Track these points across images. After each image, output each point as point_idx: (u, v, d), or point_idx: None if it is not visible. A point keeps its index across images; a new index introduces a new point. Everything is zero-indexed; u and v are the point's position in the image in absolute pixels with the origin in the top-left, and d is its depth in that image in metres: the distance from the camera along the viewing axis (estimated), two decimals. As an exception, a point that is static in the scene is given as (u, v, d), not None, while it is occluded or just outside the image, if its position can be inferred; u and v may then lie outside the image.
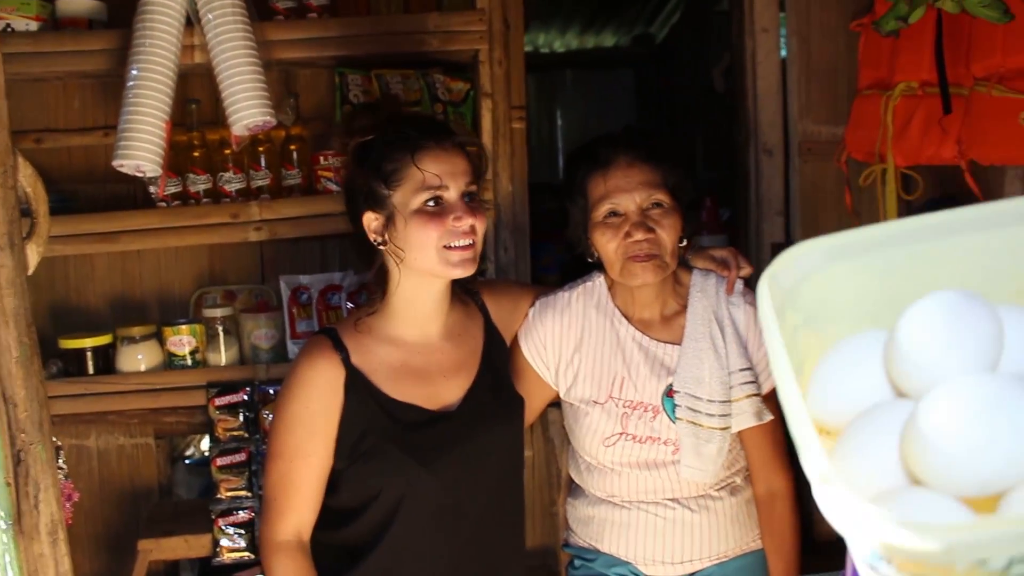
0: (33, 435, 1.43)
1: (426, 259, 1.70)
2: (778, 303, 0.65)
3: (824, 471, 0.54)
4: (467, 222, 1.69)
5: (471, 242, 1.71)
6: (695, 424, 1.81)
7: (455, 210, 1.69)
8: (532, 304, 1.94)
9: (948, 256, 0.67)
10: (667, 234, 1.80)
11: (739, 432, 1.86)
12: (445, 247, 1.69)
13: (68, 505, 1.60)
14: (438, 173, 1.69)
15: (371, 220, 1.73)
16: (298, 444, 1.71)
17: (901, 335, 0.64)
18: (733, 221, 3.35)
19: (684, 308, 1.88)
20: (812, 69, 2.79)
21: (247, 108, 2.19)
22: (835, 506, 0.53)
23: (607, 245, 1.81)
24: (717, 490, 1.90)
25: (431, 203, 1.70)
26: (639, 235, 1.78)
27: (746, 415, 1.83)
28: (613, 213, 1.81)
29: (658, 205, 1.81)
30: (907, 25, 1.97)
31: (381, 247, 1.73)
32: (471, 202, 1.74)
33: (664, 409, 1.84)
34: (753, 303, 1.88)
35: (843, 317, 0.69)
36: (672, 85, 5.60)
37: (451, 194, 1.71)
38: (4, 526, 1.42)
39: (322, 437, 1.71)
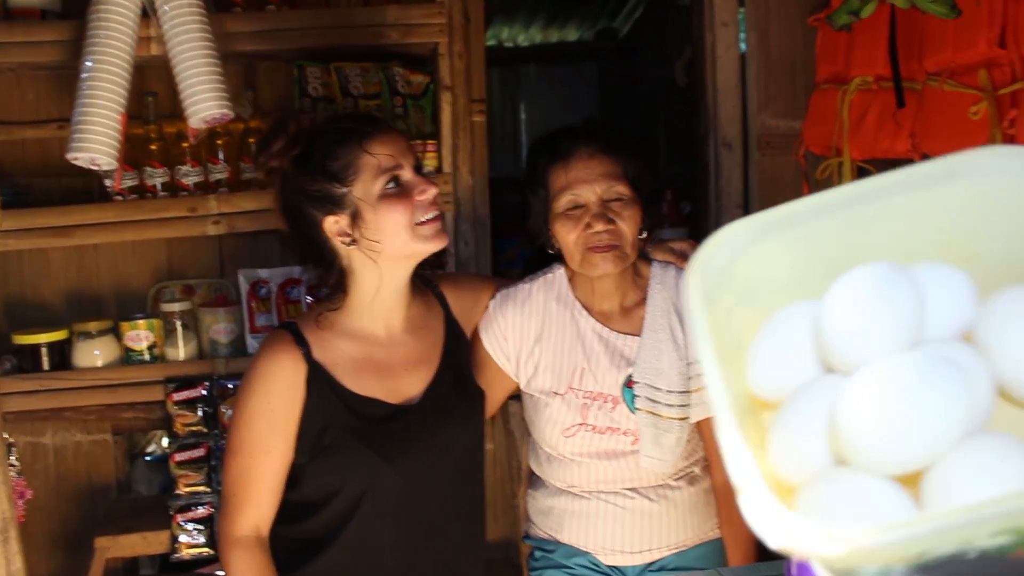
0: (-17, 431, 1.41)
1: (402, 241, 1.69)
2: (709, 288, 0.66)
3: (739, 479, 0.55)
4: (431, 192, 1.70)
5: (437, 213, 1.72)
6: (654, 414, 1.83)
7: (416, 185, 1.70)
8: (492, 296, 1.95)
9: (875, 220, 0.68)
10: (627, 225, 1.81)
11: (698, 422, 1.87)
12: (417, 224, 1.69)
13: (20, 503, 1.58)
14: (390, 154, 1.69)
15: (333, 224, 1.69)
16: (258, 439, 1.70)
17: (824, 314, 0.64)
18: (694, 214, 3.37)
19: (644, 300, 1.89)
20: (771, 63, 2.82)
21: (204, 101, 2.17)
22: (751, 511, 0.53)
23: (567, 236, 1.82)
24: (676, 480, 1.92)
25: (391, 185, 1.69)
26: (599, 226, 1.79)
27: (705, 405, 1.85)
28: (574, 205, 1.82)
29: (618, 197, 1.82)
30: (859, 19, 2.00)
31: (352, 246, 1.70)
32: (424, 175, 1.75)
33: (624, 400, 1.86)
34: None
35: (778, 291, 0.70)
36: (635, 79, 5.62)
37: (406, 172, 1.71)
38: (-47, 524, 1.40)
39: (282, 432, 1.70)
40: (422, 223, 1.69)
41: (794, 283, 0.69)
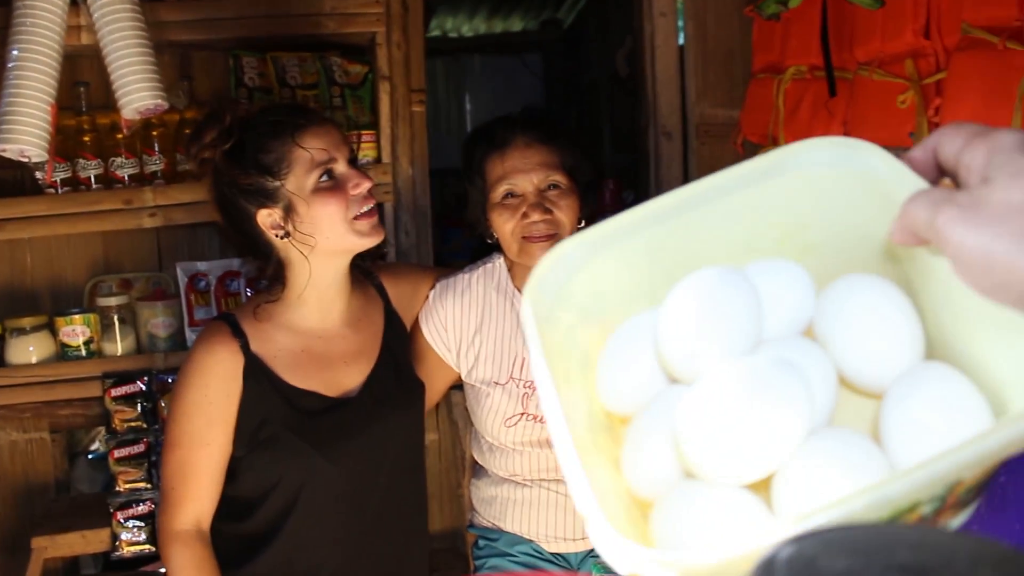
0: (-92, 430, 1.38)
1: (337, 236, 1.68)
2: (547, 311, 0.64)
3: (582, 507, 0.52)
4: (365, 185, 1.69)
5: (373, 206, 1.71)
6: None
7: (350, 178, 1.68)
8: (432, 286, 1.95)
9: (712, 221, 0.66)
10: (564, 215, 1.81)
11: None
12: (353, 219, 1.68)
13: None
14: (323, 147, 1.68)
15: (266, 217, 1.68)
16: (196, 432, 1.69)
17: (659, 325, 0.63)
18: (636, 203, 3.40)
19: None
20: (708, 53, 2.84)
21: (137, 91, 2.13)
22: (597, 540, 0.52)
23: (504, 226, 1.83)
24: (616, 466, 1.94)
25: (324, 179, 1.68)
26: (536, 216, 1.79)
27: None
28: (510, 194, 1.82)
29: (555, 186, 1.82)
30: (787, 9, 2.03)
31: (284, 239, 1.68)
32: (359, 168, 1.74)
33: (563, 388, 1.87)
34: None
35: (620, 304, 0.68)
36: (579, 70, 5.64)
37: (340, 165, 1.70)
38: None
39: (221, 424, 1.69)
40: (358, 217, 1.68)
41: (636, 295, 0.68)
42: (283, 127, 1.68)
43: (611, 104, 4.95)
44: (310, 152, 1.67)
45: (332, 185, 1.68)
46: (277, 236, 1.68)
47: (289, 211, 1.67)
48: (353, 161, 1.74)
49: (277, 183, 1.66)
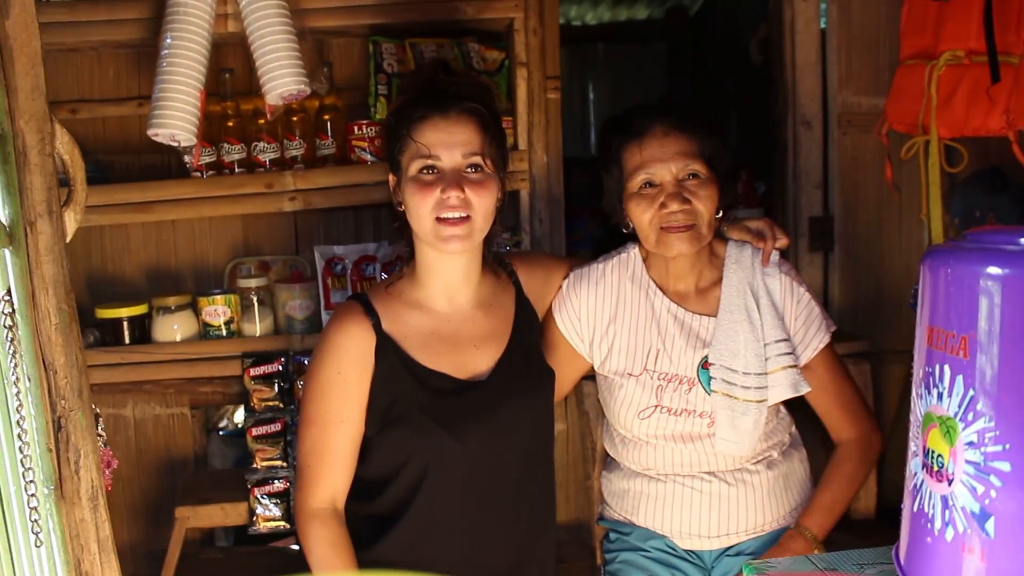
0: (73, 402, 1.44)
1: (423, 229, 1.71)
2: None
3: None
4: (452, 194, 1.67)
5: (465, 215, 1.69)
6: (731, 397, 1.80)
7: (444, 181, 1.68)
8: (566, 276, 1.93)
9: None
10: (703, 205, 1.77)
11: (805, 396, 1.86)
12: (438, 219, 1.68)
13: (107, 472, 1.61)
14: (432, 143, 1.69)
15: (392, 181, 1.78)
16: (330, 410, 1.71)
17: None
18: (769, 195, 3.31)
19: (719, 280, 1.86)
20: (852, 38, 2.75)
21: (281, 77, 2.18)
22: None
23: (642, 216, 1.79)
24: (754, 464, 1.88)
25: (425, 172, 1.70)
26: (675, 206, 1.76)
27: (782, 387, 1.81)
28: (648, 184, 1.79)
29: (694, 176, 1.78)
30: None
31: (399, 208, 1.76)
32: (474, 173, 1.71)
33: (699, 381, 1.83)
34: (789, 273, 1.86)
35: None
36: (706, 58, 5.53)
37: (444, 164, 1.70)
38: (46, 491, 1.43)
39: (354, 403, 1.71)
40: (442, 220, 1.68)
41: None
42: (414, 107, 1.71)
43: (738, 92, 4.82)
44: (416, 145, 1.70)
45: (429, 181, 1.69)
46: (395, 202, 1.77)
47: (399, 184, 1.75)
48: (476, 166, 1.71)
49: (398, 156, 1.74)
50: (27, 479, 1.45)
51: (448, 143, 1.69)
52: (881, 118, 2.55)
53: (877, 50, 2.73)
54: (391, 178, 1.78)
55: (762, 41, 3.86)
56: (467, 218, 1.68)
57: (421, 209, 1.68)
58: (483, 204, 1.70)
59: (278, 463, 2.32)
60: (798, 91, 2.84)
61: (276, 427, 2.32)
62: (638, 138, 1.80)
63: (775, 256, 1.86)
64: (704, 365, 1.83)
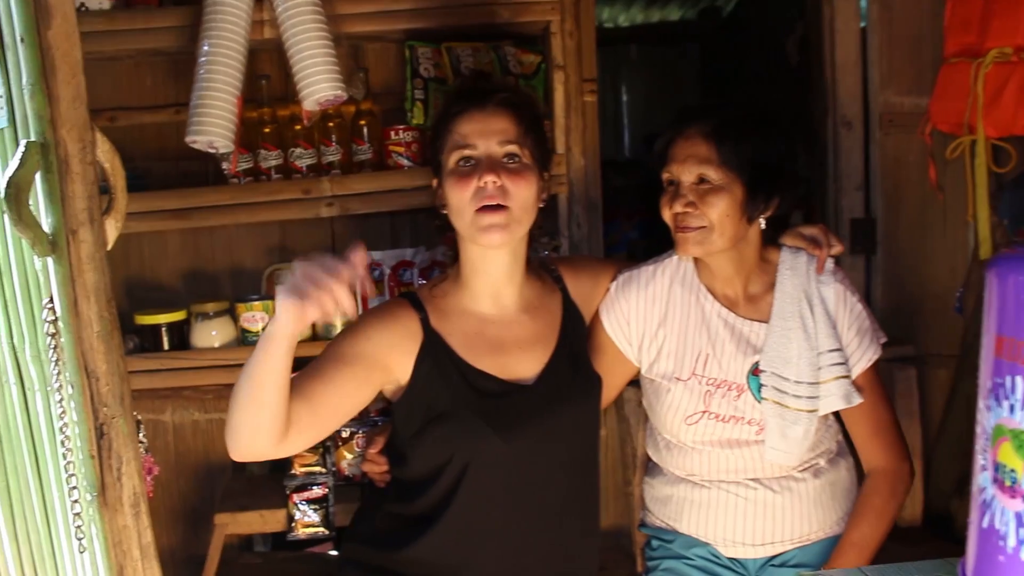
0: (115, 409, 1.44)
1: (464, 223, 1.68)
2: None
3: None
4: (489, 179, 1.64)
5: (502, 204, 1.65)
6: (781, 405, 1.76)
7: (481, 168, 1.66)
8: (613, 279, 1.90)
9: None
10: (712, 210, 1.74)
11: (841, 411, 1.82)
12: (477, 211, 1.65)
13: (149, 478, 1.61)
14: (468, 133, 1.68)
15: (435, 183, 1.76)
16: (342, 351, 1.65)
17: None
18: (808, 196, 3.26)
19: (771, 286, 1.83)
20: (894, 37, 2.71)
21: (318, 83, 2.18)
22: None
23: (662, 213, 1.81)
24: (800, 472, 1.85)
25: (463, 163, 1.68)
26: (679, 207, 1.76)
27: (834, 397, 1.77)
28: (670, 182, 1.80)
29: (703, 181, 1.75)
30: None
31: (443, 211, 1.73)
32: (512, 163, 1.69)
33: (749, 388, 1.80)
34: (843, 282, 1.82)
35: None
36: (740, 59, 5.48)
37: (480, 152, 1.68)
38: (89, 498, 1.43)
39: (368, 365, 1.64)
40: (481, 210, 1.65)
41: None
42: (451, 106, 1.73)
43: (773, 93, 4.77)
44: (453, 136, 1.70)
45: (466, 171, 1.68)
46: (438, 206, 1.74)
47: (440, 185, 1.73)
48: (512, 155, 1.69)
49: (439, 158, 1.73)
50: (70, 486, 1.46)
51: (484, 131, 1.67)
52: (925, 118, 2.51)
53: (920, 48, 2.68)
54: (434, 182, 1.77)
55: (800, 40, 3.82)
56: (505, 208, 1.66)
57: (461, 201, 1.66)
58: (521, 194, 1.67)
59: (317, 469, 2.31)
60: (838, 91, 2.80)
61: (314, 433, 2.32)
62: (672, 140, 1.80)
63: (830, 264, 1.82)
64: (755, 372, 1.80)
